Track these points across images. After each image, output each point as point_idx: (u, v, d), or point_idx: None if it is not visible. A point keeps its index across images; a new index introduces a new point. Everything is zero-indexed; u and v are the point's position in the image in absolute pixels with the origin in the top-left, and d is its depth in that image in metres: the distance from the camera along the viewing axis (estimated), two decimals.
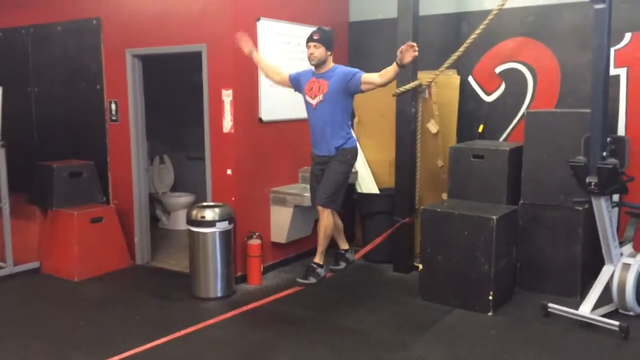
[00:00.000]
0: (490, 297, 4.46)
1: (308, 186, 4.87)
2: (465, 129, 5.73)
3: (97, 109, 5.80)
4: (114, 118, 5.73)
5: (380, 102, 5.71)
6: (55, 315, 4.53)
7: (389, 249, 5.59)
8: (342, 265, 4.51)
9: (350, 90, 4.04)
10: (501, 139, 5.61)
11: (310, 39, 4.06)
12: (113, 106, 5.71)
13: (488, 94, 5.66)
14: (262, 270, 5.24)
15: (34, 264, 5.54)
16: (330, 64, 4.11)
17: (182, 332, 3.81)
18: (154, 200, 7.25)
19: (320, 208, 4.12)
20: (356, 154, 4.26)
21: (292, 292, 4.35)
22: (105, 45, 5.69)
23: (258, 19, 5.14)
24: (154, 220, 7.22)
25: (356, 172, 5.95)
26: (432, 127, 5.48)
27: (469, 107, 5.74)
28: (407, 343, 3.99)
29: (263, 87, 5.23)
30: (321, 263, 4.29)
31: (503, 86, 5.57)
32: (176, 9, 5.20)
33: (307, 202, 5.26)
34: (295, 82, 4.33)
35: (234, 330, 4.22)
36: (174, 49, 5.25)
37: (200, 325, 3.95)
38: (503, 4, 4.99)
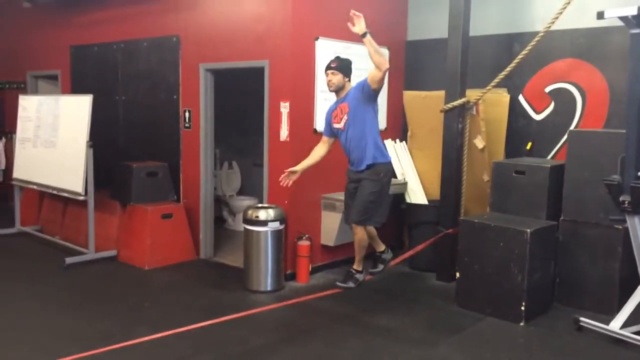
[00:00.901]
0: (523, 308, 4.63)
1: None
2: (514, 146, 5.91)
3: (173, 117, 6.46)
4: (187, 125, 6.36)
5: (431, 117, 6.00)
6: (126, 297, 5.15)
7: (433, 258, 5.85)
8: (380, 267, 4.84)
9: (366, 95, 4.36)
10: (549, 157, 5.73)
11: (328, 67, 4.46)
12: (187, 114, 6.34)
13: (537, 112, 5.81)
14: (310, 269, 5.64)
15: (112, 252, 6.24)
16: (348, 88, 4.49)
17: (231, 316, 4.28)
18: (222, 203, 7.86)
19: (353, 225, 4.48)
20: (389, 169, 4.57)
21: (336, 291, 4.74)
22: (182, 60, 6.34)
23: (316, 38, 5.60)
24: (221, 221, 7.83)
25: (405, 183, 6.25)
26: (479, 142, 5.70)
27: (519, 125, 5.91)
28: (435, 343, 4.26)
29: (319, 101, 5.67)
30: (360, 269, 4.66)
31: (552, 105, 5.71)
32: (243, 28, 5.76)
33: None
34: (329, 131, 4.67)
35: (277, 319, 4.66)
36: (241, 64, 5.81)
37: (248, 312, 4.43)
38: (549, 27, 5.16)
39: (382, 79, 4.33)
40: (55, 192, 6.46)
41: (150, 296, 5.18)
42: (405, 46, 6.72)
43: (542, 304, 4.89)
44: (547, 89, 5.72)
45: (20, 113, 7.07)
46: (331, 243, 5.84)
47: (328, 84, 4.50)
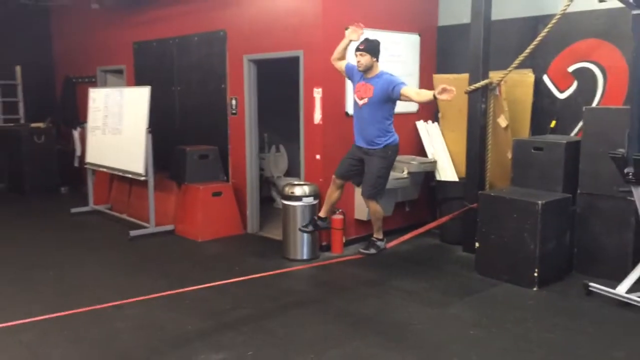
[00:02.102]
0: (535, 274, 4.97)
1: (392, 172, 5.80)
2: (539, 125, 6.17)
3: (221, 104, 7.11)
4: (233, 112, 6.99)
5: (459, 99, 6.29)
6: (179, 263, 5.88)
7: (461, 232, 6.23)
8: (372, 251, 5.15)
9: (391, 97, 4.75)
10: (572, 134, 5.96)
11: (357, 49, 4.85)
12: (233, 102, 6.97)
13: (561, 91, 6.04)
14: (344, 241, 6.16)
15: (170, 227, 6.98)
16: (377, 70, 4.86)
17: (265, 273, 4.96)
18: (270, 183, 8.48)
19: (367, 200, 4.94)
20: (396, 149, 4.98)
21: (364, 259, 5.24)
22: (229, 52, 6.97)
23: (346, 28, 6.05)
24: (270, 200, 8.45)
25: (435, 162, 6.64)
26: (502, 121, 6.01)
27: (543, 104, 6.16)
28: (448, 304, 4.70)
29: (349, 87, 6.12)
30: (380, 237, 5.12)
31: (575, 84, 5.93)
32: (281, 22, 6.30)
33: (387, 185, 6.11)
34: (349, 72, 5.06)
35: (306, 279, 5.29)
36: (279, 54, 6.36)
37: (281, 270, 5.09)
38: (565, 9, 5.40)
39: (409, 102, 4.88)
40: (121, 173, 7.29)
41: (199, 263, 5.87)
42: (438, 31, 7.07)
43: (558, 272, 5.21)
44: (570, 69, 5.94)
45: (90, 104, 7.93)
46: (364, 217, 6.31)
47: (357, 65, 4.87)
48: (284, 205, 5.90)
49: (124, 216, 7.62)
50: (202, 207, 6.67)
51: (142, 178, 6.79)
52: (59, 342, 4.00)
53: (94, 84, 9.33)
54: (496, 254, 5.24)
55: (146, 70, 8.32)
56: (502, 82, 5.94)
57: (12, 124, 10.01)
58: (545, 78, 6.13)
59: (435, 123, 6.96)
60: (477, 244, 5.44)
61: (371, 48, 4.82)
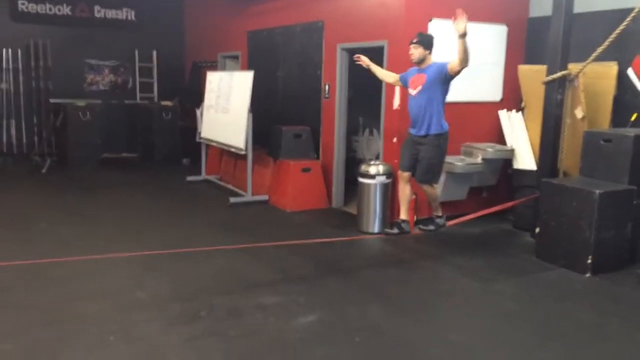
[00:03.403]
0: (589, 261, 5.12)
1: (464, 157, 6.35)
2: (621, 117, 6.15)
3: (316, 89, 7.80)
4: (326, 96, 7.65)
5: (541, 90, 6.47)
6: (264, 226, 6.72)
7: (532, 218, 6.41)
8: (431, 227, 5.62)
9: (443, 78, 5.15)
10: None
11: (411, 42, 5.29)
12: (327, 87, 7.63)
13: None
14: (415, 220, 6.59)
15: (264, 197, 7.83)
16: (429, 61, 5.28)
17: (335, 239, 5.71)
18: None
19: (424, 186, 5.40)
20: (446, 137, 5.36)
21: (432, 235, 5.73)
22: (325, 41, 7.62)
23: (430, 20, 6.45)
24: None
25: (512, 150, 6.83)
26: (579, 112, 6.08)
27: (626, 97, 6.12)
28: (495, 280, 5.03)
29: None
30: (439, 214, 5.53)
31: None
32: (369, 13, 6.82)
33: (459, 170, 6.48)
34: (403, 80, 5.62)
35: (368, 248, 5.92)
36: (367, 44, 6.89)
37: (349, 238, 5.86)
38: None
39: (460, 71, 5.17)
40: (226, 148, 8.26)
41: (281, 227, 6.68)
42: (528, 23, 7.18)
43: (616, 261, 5.28)
44: None
45: (207, 86, 9.00)
46: None
47: (410, 56, 5.38)
48: (360, 182, 6.47)
49: (230, 186, 8.61)
50: (292, 180, 7.43)
51: (242, 152, 7.69)
52: (154, 274, 4.93)
53: (215, 68, 10.46)
54: (554, 240, 5.43)
55: (257, 57, 9.23)
56: (581, 74, 6.01)
57: (146, 101, 11.51)
58: (630, 72, 6.09)
59: (520, 113, 7.12)
60: (537, 229, 5.65)
61: (424, 41, 5.27)
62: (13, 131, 10.87)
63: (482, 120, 7.13)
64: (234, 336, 3.86)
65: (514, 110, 7.14)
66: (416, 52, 5.33)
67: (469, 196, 6.97)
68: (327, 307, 4.36)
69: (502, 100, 7.15)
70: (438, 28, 6.47)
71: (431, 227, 5.57)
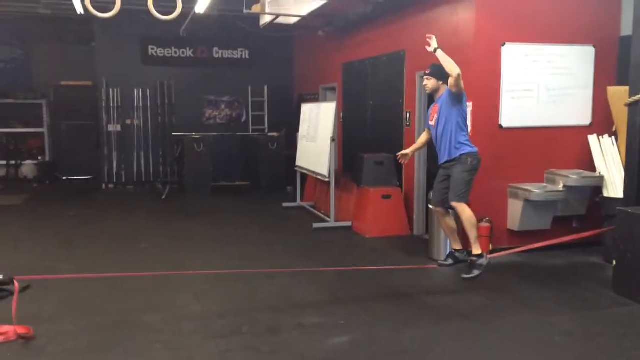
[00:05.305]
0: None
1: (546, 185, 6.28)
2: None
3: (399, 117, 7.89)
4: (407, 124, 7.71)
5: None
6: (337, 251, 6.90)
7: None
8: (475, 273, 5.29)
9: (451, 98, 5.15)
10: None
11: (423, 74, 5.26)
12: (408, 115, 7.69)
13: None
14: (490, 249, 6.38)
15: (348, 223, 8.01)
16: (443, 91, 5.23)
17: (400, 267, 5.87)
18: None
19: (454, 204, 5.25)
20: (476, 157, 5.25)
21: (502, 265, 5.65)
22: (406, 69, 7.72)
23: (503, 44, 6.31)
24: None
25: (601, 177, 6.37)
26: None
27: None
28: (553, 313, 4.74)
29: (505, 99, 6.37)
30: (479, 253, 5.30)
31: None
32: (443, 40, 6.78)
33: (535, 197, 6.20)
34: (427, 123, 5.62)
35: (432, 276, 5.83)
36: None
37: (414, 266, 6.01)
38: None
39: (457, 83, 5.08)
40: (314, 175, 8.59)
41: (352, 252, 6.85)
42: (620, 42, 6.72)
43: None
44: None
45: (302, 116, 9.46)
46: (515, 227, 6.45)
47: (424, 87, 5.48)
48: (431, 210, 6.41)
49: (321, 213, 8.91)
50: (372, 207, 7.54)
51: (326, 179, 7.96)
52: (215, 291, 5.32)
53: (317, 100, 10.94)
54: (631, 273, 4.99)
55: (350, 87, 9.54)
56: None
57: (257, 133, 12.30)
58: None
59: (612, 138, 6.63)
60: (614, 262, 5.22)
61: (436, 72, 5.33)
62: (142, 162, 12.19)
63: (569, 145, 6.75)
64: (265, 352, 4.07)
65: (605, 135, 6.68)
66: (429, 83, 5.41)
67: (556, 226, 6.58)
68: (364, 330, 4.42)
69: (591, 124, 6.73)
70: (512, 52, 6.33)
71: (476, 272, 5.24)
